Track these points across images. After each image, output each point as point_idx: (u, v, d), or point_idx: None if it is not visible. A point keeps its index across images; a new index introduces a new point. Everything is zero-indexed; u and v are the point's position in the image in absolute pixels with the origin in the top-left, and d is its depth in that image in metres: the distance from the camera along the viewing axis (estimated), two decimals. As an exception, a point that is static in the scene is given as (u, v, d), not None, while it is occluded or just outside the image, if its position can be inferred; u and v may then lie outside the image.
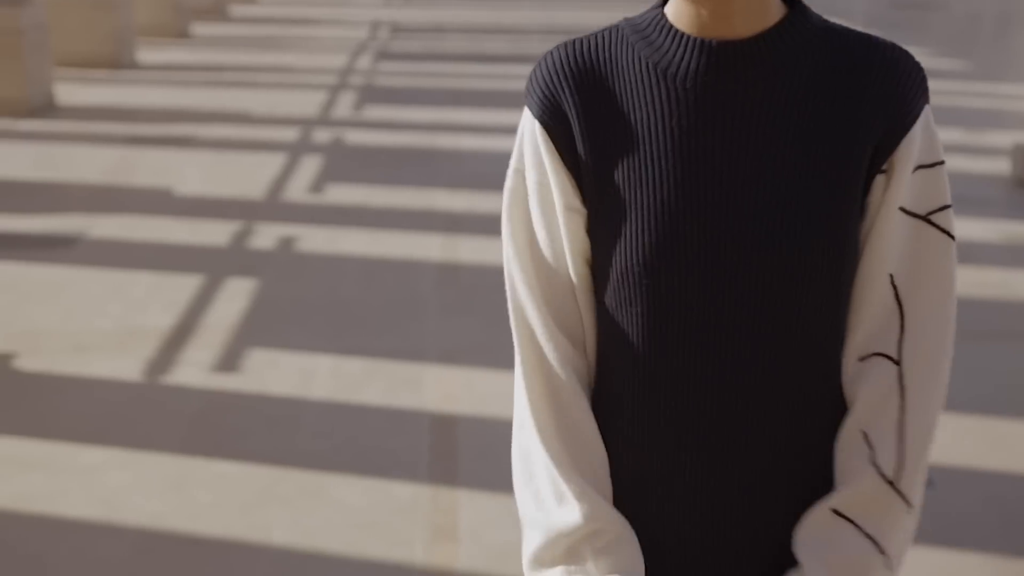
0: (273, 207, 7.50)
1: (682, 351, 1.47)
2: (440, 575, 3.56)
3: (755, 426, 1.47)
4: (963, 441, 4.29)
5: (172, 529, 3.81)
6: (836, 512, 1.47)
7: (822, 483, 1.51)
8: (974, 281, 6.01)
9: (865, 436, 1.47)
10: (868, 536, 1.47)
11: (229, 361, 5.11)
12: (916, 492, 1.48)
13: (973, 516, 3.79)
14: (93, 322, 5.52)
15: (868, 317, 1.47)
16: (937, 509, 3.83)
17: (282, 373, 4.99)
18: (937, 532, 3.69)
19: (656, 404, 1.49)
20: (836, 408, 1.51)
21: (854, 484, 1.47)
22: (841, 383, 1.51)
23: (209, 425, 4.54)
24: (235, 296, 5.86)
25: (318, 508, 3.94)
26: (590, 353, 1.55)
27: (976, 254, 6.45)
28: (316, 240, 6.78)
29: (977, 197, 7.55)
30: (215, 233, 6.89)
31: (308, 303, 5.81)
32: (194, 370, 5.01)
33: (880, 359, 1.47)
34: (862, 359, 1.48)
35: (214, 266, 6.31)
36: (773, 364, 1.46)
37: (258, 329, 5.46)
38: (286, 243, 6.74)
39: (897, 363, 1.46)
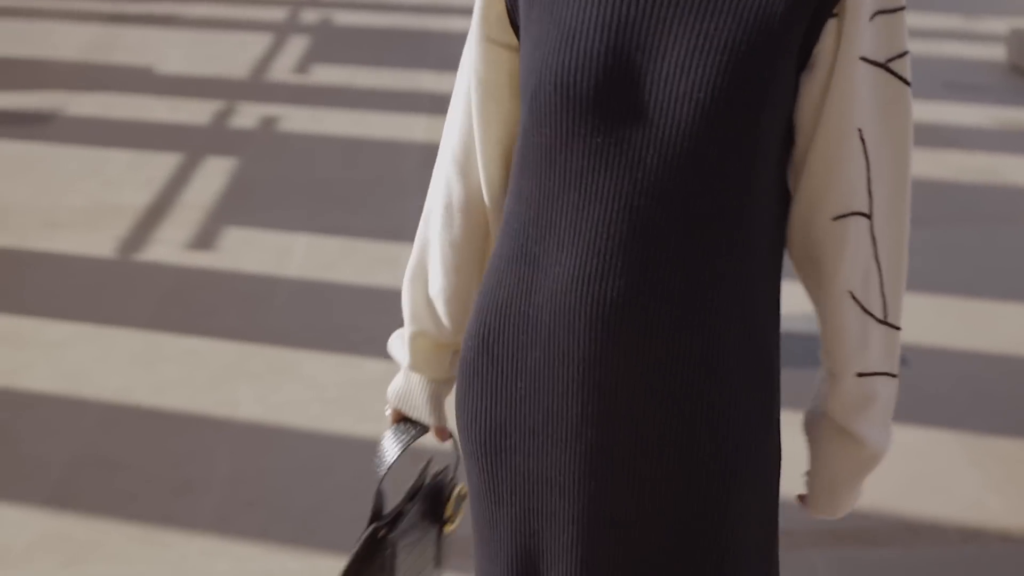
0: (256, 87, 7.38)
1: (587, 178, 1.42)
2: (409, 450, 3.52)
3: (654, 248, 1.41)
4: (941, 322, 4.24)
5: (138, 403, 3.77)
6: (860, 375, 1.48)
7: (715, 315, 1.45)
8: (963, 166, 5.93)
9: (852, 295, 1.46)
10: (886, 374, 1.50)
11: (204, 239, 5.05)
12: (900, 315, 1.48)
13: (946, 395, 3.76)
14: (66, 199, 5.44)
15: (841, 176, 1.43)
16: (911, 388, 3.80)
17: (257, 251, 4.93)
18: (910, 411, 3.65)
19: (560, 226, 1.45)
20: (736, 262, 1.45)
21: (867, 342, 1.47)
22: (749, 242, 1.44)
23: (180, 302, 4.49)
24: (213, 175, 5.78)
25: (287, 384, 3.90)
26: (496, 189, 1.58)
27: (967, 139, 6.35)
28: (299, 120, 6.67)
29: (972, 83, 7.42)
30: (196, 112, 6.77)
31: (288, 182, 5.72)
32: (168, 248, 4.94)
33: (856, 218, 1.44)
34: (836, 219, 1.44)
35: (193, 145, 6.21)
36: (680, 200, 1.40)
37: (235, 208, 5.39)
38: (268, 123, 6.63)
39: (868, 216, 1.44)
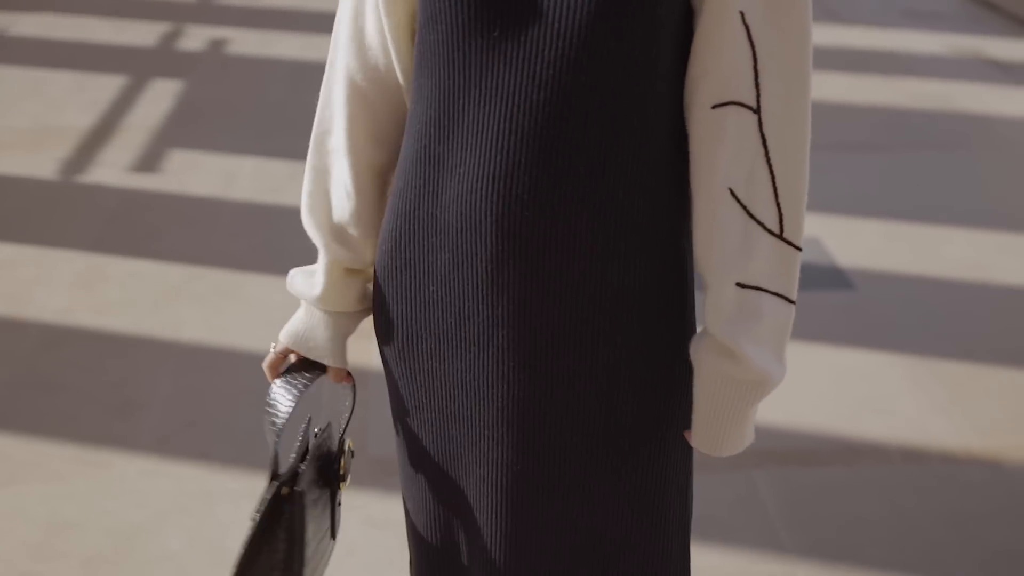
0: (204, 9, 7.24)
1: (486, 75, 1.38)
2: (356, 371, 3.49)
3: (557, 142, 1.37)
4: (890, 247, 4.24)
5: (79, 324, 3.72)
6: (741, 285, 1.40)
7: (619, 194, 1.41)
8: (918, 92, 5.91)
9: (733, 193, 1.38)
10: (776, 294, 1.41)
11: (149, 162, 4.96)
12: (800, 235, 1.41)
13: (892, 319, 3.76)
14: (8, 119, 5.33)
15: (721, 60, 1.35)
16: (857, 312, 3.81)
17: (203, 174, 4.85)
18: (856, 334, 3.66)
19: (462, 125, 1.41)
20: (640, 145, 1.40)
21: (750, 248, 1.39)
22: (651, 145, 1.40)
23: (124, 224, 4.42)
24: (159, 98, 5.67)
25: (232, 306, 3.86)
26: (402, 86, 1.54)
27: (922, 66, 6.33)
28: (248, 43, 6.55)
29: (928, 11, 7.39)
30: (142, 34, 6.64)
31: (235, 106, 5.63)
32: (112, 170, 4.86)
33: (736, 109, 1.36)
34: (715, 107, 1.37)
35: (139, 67, 6.09)
36: (581, 93, 1.36)
37: (181, 131, 5.30)
38: (216, 45, 6.51)
39: (756, 111, 1.36)
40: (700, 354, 1.44)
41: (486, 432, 1.48)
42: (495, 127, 1.39)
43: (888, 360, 3.51)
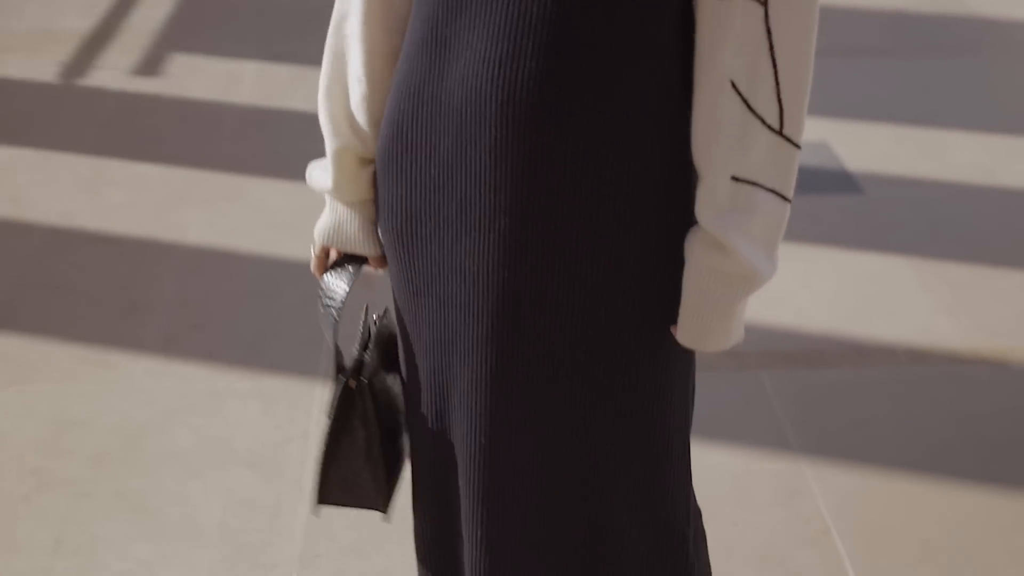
0: (204, -87, 7.12)
1: None
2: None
3: (566, 30, 1.36)
4: (898, 150, 4.20)
5: (82, 227, 3.70)
6: (736, 178, 1.38)
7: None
8: (927, -3, 5.83)
9: (734, 85, 1.36)
10: (773, 191, 1.40)
11: (150, 65, 4.91)
12: (800, 133, 1.39)
13: (900, 221, 3.74)
14: (7, 23, 5.27)
15: None
16: (865, 215, 3.79)
17: (205, 77, 4.80)
18: (864, 237, 3.64)
19: (470, 8, 1.39)
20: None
21: (747, 141, 1.37)
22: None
23: (126, 127, 4.38)
24: (160, 0, 5.60)
25: (235, 209, 3.83)
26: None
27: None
28: (248, -53, 6.45)
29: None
30: (141, -63, 6.54)
31: (238, 8, 5.55)
32: (113, 73, 4.81)
33: (743, 1, 1.33)
34: None
35: (139, -30, 6.00)
36: None
37: (183, 33, 5.23)
38: (216, -51, 6.41)
39: (763, 3, 1.33)
40: (690, 246, 1.43)
41: (483, 319, 1.48)
42: (503, 12, 1.37)
43: (896, 263, 3.50)
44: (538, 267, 1.44)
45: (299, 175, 4.04)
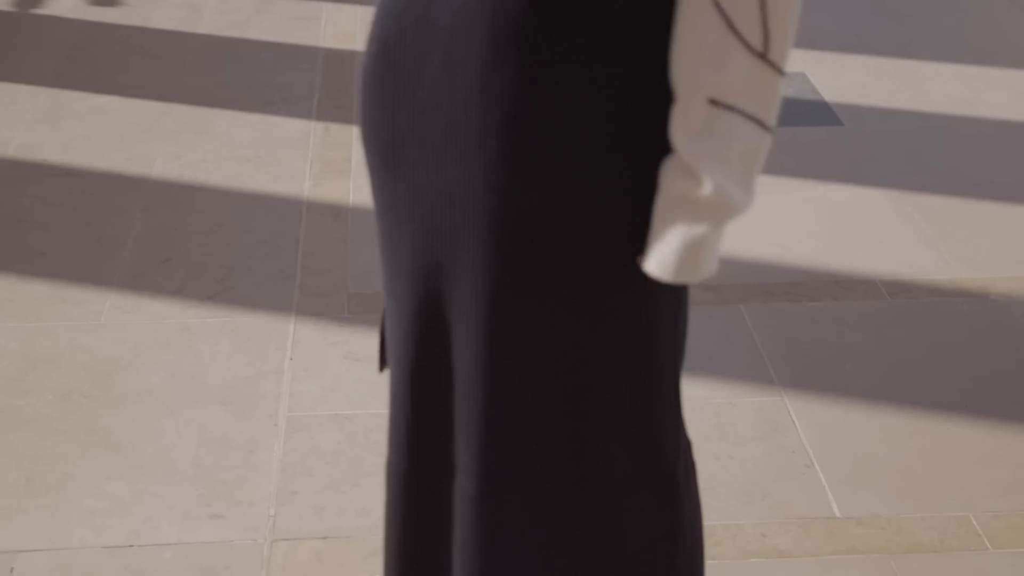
0: None
1: None
2: (330, 208, 3.42)
3: None
4: (877, 82, 4.16)
5: (44, 160, 3.61)
6: (713, 102, 1.32)
7: None
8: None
9: (716, 4, 1.30)
10: (752, 118, 1.34)
11: (110, -5, 4.79)
12: (785, 59, 1.33)
13: (879, 153, 3.70)
14: (-39, -49, 5.12)
15: None
16: (844, 147, 3.75)
17: (166, 6, 4.69)
18: (842, 169, 3.60)
19: None
20: None
21: (725, 63, 1.31)
22: None
23: (86, 58, 4.27)
24: (118, -71, 5.45)
25: (201, 142, 3.75)
26: None
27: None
28: None
29: None
30: None
31: (197, -62, 5.42)
32: (71, 1, 4.68)
33: None
34: None
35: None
36: None
37: (142, -37, 5.10)
38: None
39: None
40: (663, 172, 1.37)
41: (472, 244, 1.43)
42: None
43: (874, 195, 3.46)
44: (527, 190, 1.39)
45: (265, 107, 4.00)
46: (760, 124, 1.34)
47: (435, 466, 1.59)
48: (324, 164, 3.64)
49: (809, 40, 4.34)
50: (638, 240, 1.43)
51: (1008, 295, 3.04)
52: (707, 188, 1.33)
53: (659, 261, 1.39)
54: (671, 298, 1.51)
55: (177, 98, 4.01)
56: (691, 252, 1.38)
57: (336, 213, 3.40)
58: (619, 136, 1.38)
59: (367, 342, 2.82)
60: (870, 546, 2.27)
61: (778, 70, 1.33)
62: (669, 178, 1.36)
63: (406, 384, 1.57)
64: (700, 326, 2.84)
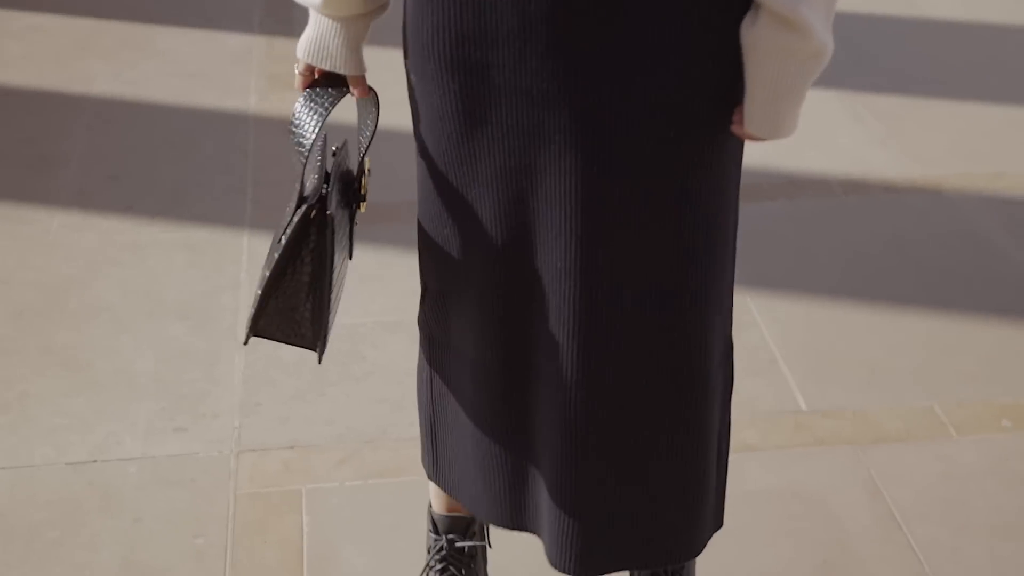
0: None
1: None
2: (278, 121, 3.36)
3: None
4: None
5: (-19, 80, 3.51)
6: None
7: None
8: None
9: None
10: None
11: (38, -88, 4.64)
12: None
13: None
14: None
15: None
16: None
17: (98, -76, 4.56)
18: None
19: None
20: None
21: None
22: None
23: (18, -24, 4.15)
24: None
25: (143, 60, 3.66)
26: None
27: None
28: None
29: None
30: None
31: None
32: (-1, -79, 4.54)
33: None
34: None
35: None
36: None
37: None
38: None
39: None
40: (757, 31, 1.33)
41: (557, 137, 1.39)
42: None
43: (825, 96, 3.46)
44: (617, 84, 1.36)
45: (207, 23, 3.92)
46: None
47: (520, 364, 1.56)
48: (270, 78, 3.57)
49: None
50: (725, 105, 1.41)
51: (961, 191, 3.05)
52: (807, 37, 1.31)
53: (768, 121, 1.39)
54: (739, 165, 1.52)
55: (114, 15, 3.92)
56: (795, 107, 1.38)
57: (285, 126, 3.33)
58: (699, 14, 1.35)
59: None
60: (837, 437, 2.29)
61: None
62: (766, 35, 1.33)
63: (491, 288, 1.52)
64: (659, 228, 2.83)
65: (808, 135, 3.25)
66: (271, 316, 1.51)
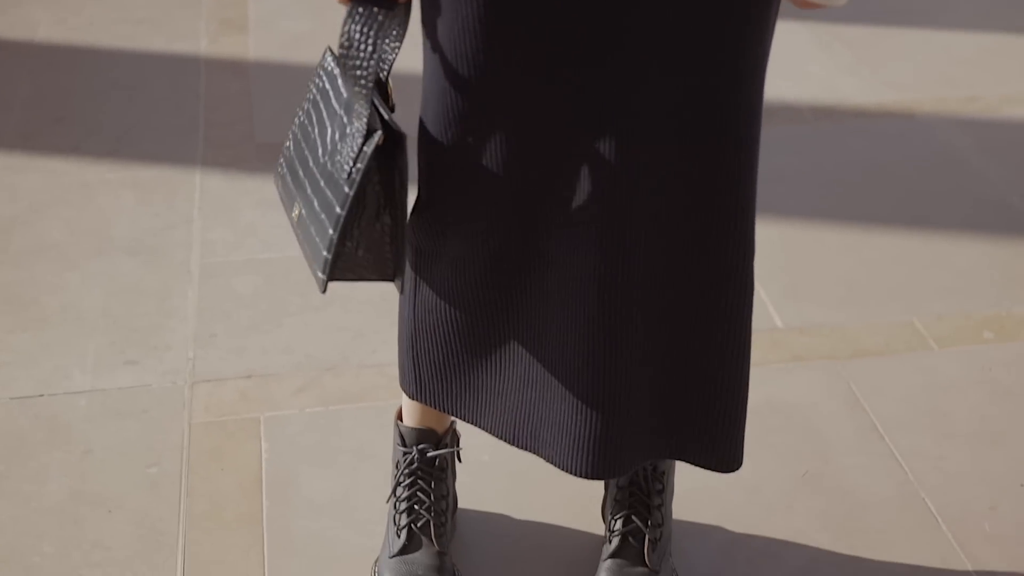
0: None
1: None
2: (230, 64, 3.25)
3: None
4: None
5: (-81, 28, 3.39)
6: None
7: None
8: None
9: None
10: None
11: None
12: None
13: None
14: None
15: None
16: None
17: None
18: None
19: None
20: None
21: None
22: None
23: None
24: None
25: (87, 5, 3.55)
26: None
27: None
28: None
29: None
30: None
31: None
32: None
33: None
34: None
35: None
36: None
37: None
38: None
39: None
40: None
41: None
42: None
43: (791, 27, 3.37)
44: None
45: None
46: None
47: (531, 257, 1.48)
48: (220, 22, 3.46)
49: None
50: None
51: (934, 115, 2.98)
52: None
53: None
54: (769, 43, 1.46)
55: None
56: None
57: (237, 68, 3.24)
58: None
59: (279, 189, 2.68)
60: (815, 353, 2.21)
61: None
62: None
63: (504, 171, 1.44)
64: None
65: (777, 65, 3.17)
66: (348, 256, 1.42)
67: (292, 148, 1.52)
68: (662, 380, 1.54)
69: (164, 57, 3.29)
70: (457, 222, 1.49)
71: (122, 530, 1.83)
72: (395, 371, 2.12)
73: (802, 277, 2.41)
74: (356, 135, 1.37)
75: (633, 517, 1.70)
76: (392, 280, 1.46)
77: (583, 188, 1.42)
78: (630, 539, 1.70)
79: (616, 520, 1.71)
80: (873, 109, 3.00)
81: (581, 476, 1.54)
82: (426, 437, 1.72)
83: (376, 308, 2.32)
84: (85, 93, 3.09)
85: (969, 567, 1.77)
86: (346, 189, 1.37)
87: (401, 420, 1.75)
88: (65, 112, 3.00)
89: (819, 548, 1.81)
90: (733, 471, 1.62)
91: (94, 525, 1.84)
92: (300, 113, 1.51)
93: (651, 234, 1.44)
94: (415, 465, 1.71)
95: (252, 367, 2.17)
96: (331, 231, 1.38)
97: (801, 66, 3.20)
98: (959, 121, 2.95)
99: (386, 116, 1.38)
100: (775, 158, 2.79)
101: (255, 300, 2.34)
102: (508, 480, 1.91)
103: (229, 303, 2.34)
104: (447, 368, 1.60)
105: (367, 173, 1.36)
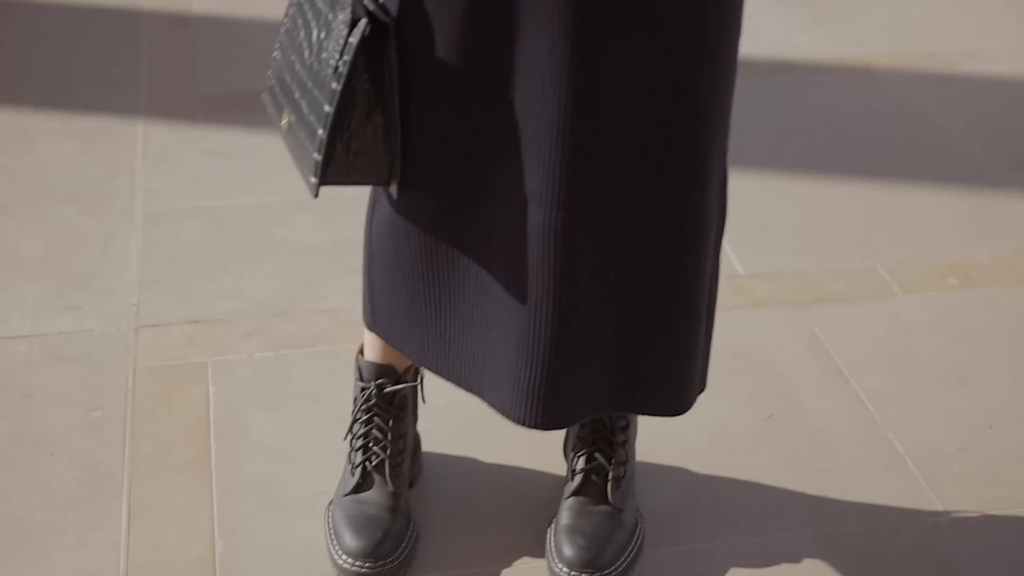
0: None
1: None
2: (172, 17, 3.16)
3: None
4: None
5: None
6: None
7: None
8: None
9: None
10: None
11: None
12: None
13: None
14: None
15: None
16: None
17: None
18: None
19: None
20: None
21: None
22: None
23: None
24: None
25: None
26: None
27: None
28: None
29: None
30: None
31: None
32: None
33: None
34: None
35: None
36: None
37: None
38: None
39: None
40: None
41: None
42: None
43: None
44: None
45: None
46: None
47: (482, 187, 1.41)
48: (165, -23, 3.37)
49: None
50: None
51: (892, 69, 2.95)
52: None
53: None
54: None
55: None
56: None
57: (179, 21, 3.15)
58: None
59: (226, 139, 2.60)
60: (777, 298, 2.17)
61: None
62: None
63: (452, 94, 1.37)
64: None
65: (731, 22, 3.14)
66: (340, 159, 1.34)
67: (280, 57, 1.45)
68: (621, 333, 1.47)
69: (104, 10, 3.19)
70: (416, 151, 1.42)
71: (64, 473, 1.75)
72: (347, 317, 2.07)
73: (763, 225, 2.37)
74: (341, 26, 1.31)
75: (596, 454, 1.64)
76: (387, 184, 1.40)
77: (533, 117, 1.35)
78: (592, 477, 1.64)
79: (578, 458, 1.65)
80: (830, 64, 2.97)
81: (521, 424, 1.47)
82: (385, 372, 1.65)
83: (326, 255, 2.25)
84: (22, 44, 2.99)
85: (939, 507, 1.74)
86: (333, 85, 1.31)
87: (363, 355, 1.68)
88: (2, 62, 2.90)
89: (785, 488, 1.77)
90: (679, 414, 1.56)
91: (34, 468, 1.76)
92: (286, 20, 1.44)
93: (608, 170, 1.38)
94: (372, 401, 1.65)
95: (199, 312, 2.10)
96: (321, 131, 1.32)
97: (755, 22, 3.15)
98: (917, 76, 2.92)
99: (371, 7, 1.31)
100: (735, 111, 2.75)
101: (201, 247, 2.27)
102: (467, 423, 1.85)
103: (174, 250, 2.26)
104: (395, 301, 1.53)
105: (354, 67, 1.30)
